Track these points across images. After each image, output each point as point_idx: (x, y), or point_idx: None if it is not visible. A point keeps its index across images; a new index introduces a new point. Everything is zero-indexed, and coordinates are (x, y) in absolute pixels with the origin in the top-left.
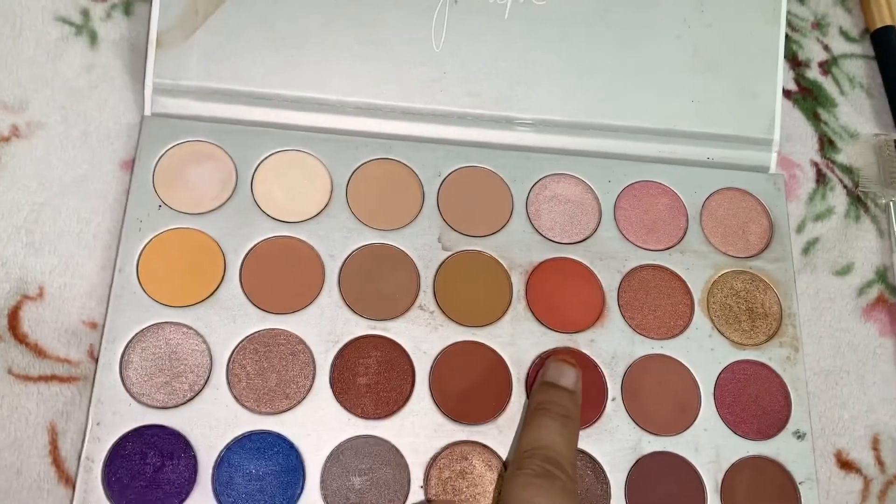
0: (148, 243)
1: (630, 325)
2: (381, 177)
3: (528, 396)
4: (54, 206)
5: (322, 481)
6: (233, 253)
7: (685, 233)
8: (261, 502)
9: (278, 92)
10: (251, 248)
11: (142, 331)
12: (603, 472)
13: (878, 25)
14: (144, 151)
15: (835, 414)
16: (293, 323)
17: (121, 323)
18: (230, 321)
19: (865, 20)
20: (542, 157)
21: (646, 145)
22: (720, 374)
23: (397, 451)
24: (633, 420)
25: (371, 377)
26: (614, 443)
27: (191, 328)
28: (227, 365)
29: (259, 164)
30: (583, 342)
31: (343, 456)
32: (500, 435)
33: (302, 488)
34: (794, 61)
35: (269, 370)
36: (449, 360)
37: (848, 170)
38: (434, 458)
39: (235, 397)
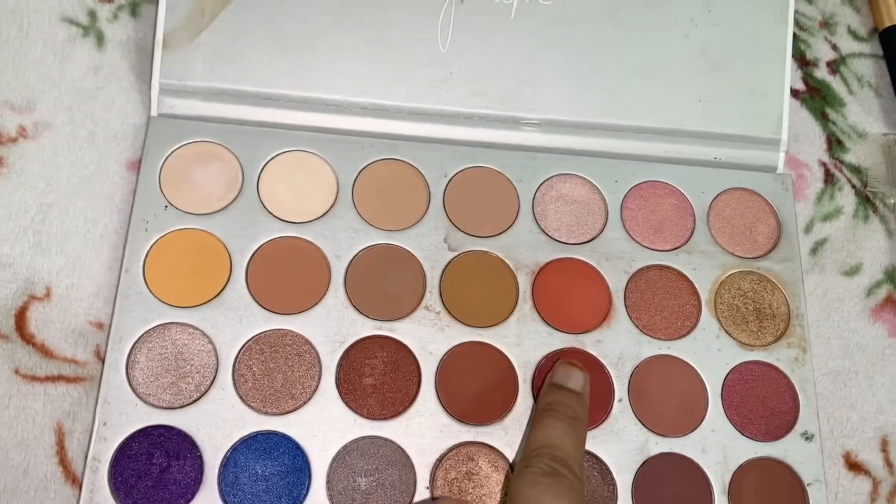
0: (154, 244)
1: (637, 326)
2: (387, 177)
3: (534, 397)
4: (61, 207)
5: (328, 482)
6: (239, 253)
7: (692, 233)
8: (266, 503)
9: (284, 92)
10: (257, 249)
11: (148, 331)
12: (610, 473)
13: (887, 24)
14: (151, 152)
15: (843, 415)
16: (299, 323)
17: (127, 323)
18: (236, 322)
19: (874, 19)
20: (549, 158)
21: (653, 145)
22: (728, 374)
23: (403, 451)
24: (640, 421)
25: (377, 378)
26: (621, 444)
27: (197, 329)
28: (234, 365)
29: (265, 165)
30: (589, 343)
31: (349, 456)
32: (506, 436)
33: (308, 489)
34: (802, 61)
35: (275, 371)
36: (455, 361)
37: (856, 170)
38: (440, 459)
39: (241, 398)
